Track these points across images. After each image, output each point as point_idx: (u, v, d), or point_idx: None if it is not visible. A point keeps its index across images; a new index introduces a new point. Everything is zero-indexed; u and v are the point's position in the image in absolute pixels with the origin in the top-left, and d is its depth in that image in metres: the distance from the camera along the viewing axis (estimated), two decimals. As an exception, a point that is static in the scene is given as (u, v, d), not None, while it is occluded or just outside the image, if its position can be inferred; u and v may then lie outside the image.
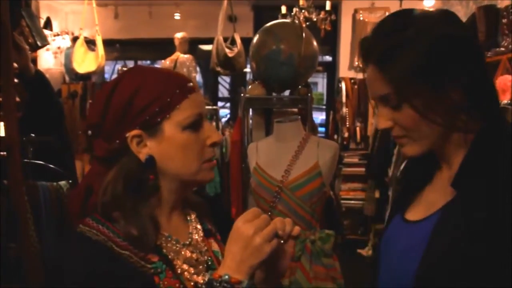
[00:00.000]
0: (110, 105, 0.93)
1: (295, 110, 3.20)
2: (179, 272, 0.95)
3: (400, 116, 0.91)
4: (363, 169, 5.28)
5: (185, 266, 0.97)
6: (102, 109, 0.93)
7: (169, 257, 0.95)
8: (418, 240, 0.91)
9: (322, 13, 4.64)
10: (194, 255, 1.00)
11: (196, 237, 1.03)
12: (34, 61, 5.16)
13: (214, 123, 4.99)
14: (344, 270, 2.27)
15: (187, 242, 1.00)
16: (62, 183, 2.07)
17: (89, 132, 0.97)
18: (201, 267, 1.00)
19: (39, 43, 2.79)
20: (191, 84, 0.96)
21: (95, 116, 0.95)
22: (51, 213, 2.00)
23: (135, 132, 0.92)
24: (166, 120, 0.93)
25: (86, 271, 0.86)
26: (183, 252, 0.98)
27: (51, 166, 2.08)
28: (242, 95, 3.15)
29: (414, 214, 1.00)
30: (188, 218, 1.06)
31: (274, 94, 3.19)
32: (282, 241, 0.91)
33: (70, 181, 2.11)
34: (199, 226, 1.06)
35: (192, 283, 0.96)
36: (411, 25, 0.89)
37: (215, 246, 1.06)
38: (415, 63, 0.87)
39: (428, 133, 0.91)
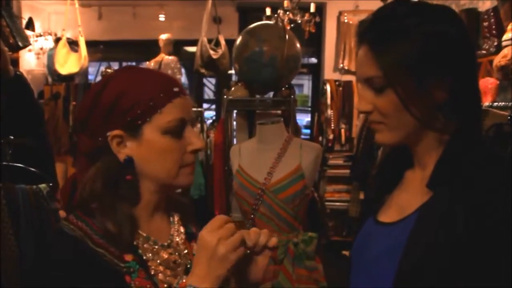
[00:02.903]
0: (98, 103, 0.94)
1: (279, 112, 3.20)
2: (152, 273, 0.95)
3: (382, 101, 0.91)
4: (347, 170, 5.31)
5: (161, 268, 0.97)
6: (90, 106, 0.95)
7: (144, 257, 0.95)
8: (395, 242, 0.90)
9: (307, 15, 4.64)
10: (172, 257, 0.99)
11: (177, 239, 1.03)
12: (16, 62, 5.10)
13: (199, 125, 4.97)
14: (329, 271, 2.27)
15: (166, 244, 1.00)
16: (42, 186, 2.04)
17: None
18: (179, 269, 1.00)
19: (20, 44, 2.77)
20: (177, 88, 0.96)
21: (83, 111, 0.96)
22: (30, 216, 1.96)
23: (116, 132, 0.94)
24: (147, 123, 0.94)
25: (57, 263, 0.88)
26: (161, 254, 0.98)
27: (31, 168, 2.05)
28: (225, 96, 3.14)
29: (387, 216, 1.00)
30: (171, 220, 1.06)
31: (257, 96, 3.19)
32: (250, 251, 0.92)
33: (50, 184, 2.08)
34: (182, 229, 1.05)
35: (165, 285, 0.96)
36: (414, 14, 0.89)
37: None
38: (407, 53, 0.87)
39: (405, 123, 0.90)
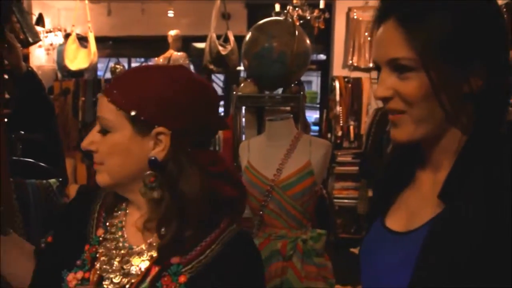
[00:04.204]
0: None
1: (288, 108, 3.19)
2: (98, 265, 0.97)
3: (408, 87, 0.79)
4: (356, 168, 5.28)
5: (97, 267, 0.97)
6: None
7: (97, 254, 0.98)
8: (407, 255, 0.82)
9: (316, 11, 4.63)
10: (110, 266, 0.96)
11: (136, 258, 0.96)
12: (26, 58, 5.13)
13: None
14: (337, 269, 2.26)
15: (122, 252, 0.97)
16: (52, 181, 2.05)
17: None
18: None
19: (30, 40, 2.76)
20: (106, 86, 0.95)
21: None
22: (40, 211, 1.97)
23: None
24: None
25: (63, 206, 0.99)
26: (112, 250, 0.98)
27: (41, 164, 2.06)
28: (234, 93, 3.14)
29: (396, 221, 0.92)
30: (152, 240, 0.97)
31: (266, 92, 3.18)
32: None
33: (60, 179, 2.09)
34: (154, 254, 0.95)
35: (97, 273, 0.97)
36: None
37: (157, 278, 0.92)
38: (446, 31, 0.77)
39: (432, 115, 0.79)
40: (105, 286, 0.93)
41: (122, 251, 0.97)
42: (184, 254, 0.92)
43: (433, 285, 0.77)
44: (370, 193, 5.02)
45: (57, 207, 2.00)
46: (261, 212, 2.17)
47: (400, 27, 0.79)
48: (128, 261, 0.95)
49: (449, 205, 0.80)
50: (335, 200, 5.23)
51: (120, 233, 1.00)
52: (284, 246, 2.10)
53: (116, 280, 0.94)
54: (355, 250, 5.04)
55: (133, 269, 0.94)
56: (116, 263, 0.95)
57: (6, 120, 1.82)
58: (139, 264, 0.94)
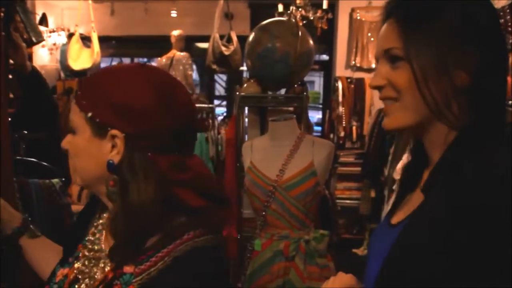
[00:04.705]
0: None
1: (291, 108, 3.19)
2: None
3: (397, 75, 0.85)
4: (358, 168, 5.28)
5: (75, 266, 0.99)
6: None
7: (80, 254, 0.99)
8: (386, 244, 0.86)
9: (319, 11, 4.62)
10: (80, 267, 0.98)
11: (102, 262, 0.96)
12: (29, 57, 5.13)
13: (210, 121, 4.97)
14: (339, 269, 2.24)
15: (97, 255, 0.98)
16: (55, 180, 2.05)
17: None
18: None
19: (34, 39, 2.76)
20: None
21: None
22: (43, 210, 1.98)
23: None
24: None
25: None
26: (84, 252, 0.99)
27: (44, 163, 2.07)
28: (237, 93, 3.14)
29: (396, 216, 0.95)
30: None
31: (269, 92, 3.18)
32: None
33: (63, 179, 2.10)
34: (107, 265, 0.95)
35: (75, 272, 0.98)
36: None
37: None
38: (433, 25, 0.82)
39: (417, 104, 0.83)
40: (76, 287, 0.94)
41: (97, 254, 0.97)
42: (139, 264, 0.88)
43: (396, 275, 0.81)
44: (372, 194, 5.02)
45: (60, 206, 2.00)
46: (264, 213, 2.17)
47: (396, 24, 0.86)
48: (96, 265, 0.96)
49: (428, 197, 0.83)
50: (338, 201, 5.21)
51: (98, 235, 1.00)
52: (286, 247, 2.10)
53: (85, 282, 0.94)
54: (358, 251, 5.03)
55: (98, 274, 0.94)
56: (90, 265, 0.96)
57: (10, 119, 1.82)
58: (105, 268, 0.94)
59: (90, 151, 0.90)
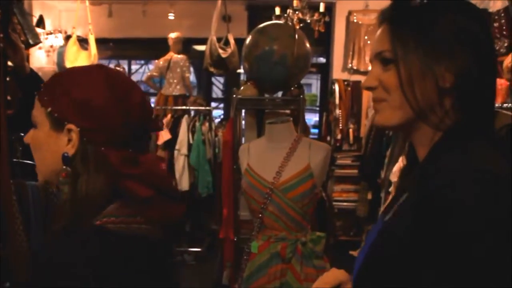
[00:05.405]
0: None
1: (288, 111, 3.19)
2: None
3: (386, 76, 0.88)
4: (355, 170, 5.30)
5: None
6: None
7: None
8: (370, 241, 0.91)
9: (316, 14, 4.65)
10: None
11: None
12: (27, 59, 5.13)
13: (207, 124, 4.98)
14: (335, 271, 2.26)
15: None
16: (51, 182, 2.05)
17: None
18: None
19: (31, 41, 2.76)
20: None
21: None
22: (39, 212, 1.98)
23: None
24: None
25: None
26: None
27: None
28: (234, 95, 3.14)
29: (389, 215, 0.97)
30: None
31: (266, 95, 3.19)
32: None
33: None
34: None
35: None
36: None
37: None
38: (422, 30, 0.85)
39: (404, 103, 0.86)
40: None
41: None
42: None
43: (372, 269, 0.85)
44: (369, 196, 5.03)
45: (57, 208, 2.00)
46: (260, 215, 2.17)
47: (388, 28, 0.89)
48: None
49: (408, 194, 0.86)
50: (335, 203, 5.22)
51: None
52: (284, 249, 2.11)
53: None
54: (355, 253, 5.02)
55: None
56: None
57: (6, 121, 1.82)
58: None
59: (49, 144, 0.96)
